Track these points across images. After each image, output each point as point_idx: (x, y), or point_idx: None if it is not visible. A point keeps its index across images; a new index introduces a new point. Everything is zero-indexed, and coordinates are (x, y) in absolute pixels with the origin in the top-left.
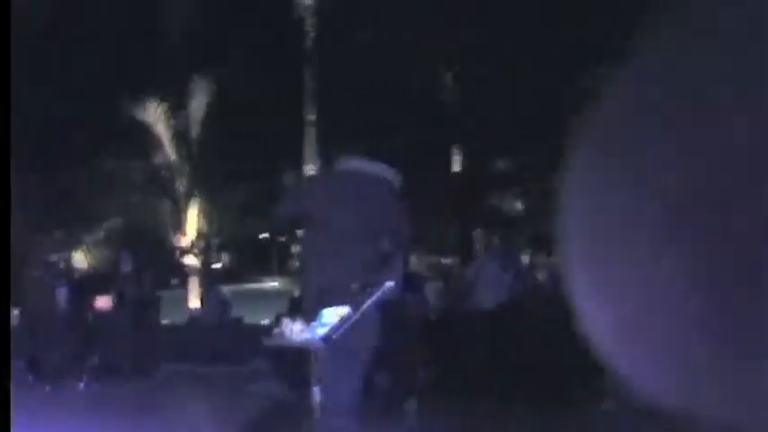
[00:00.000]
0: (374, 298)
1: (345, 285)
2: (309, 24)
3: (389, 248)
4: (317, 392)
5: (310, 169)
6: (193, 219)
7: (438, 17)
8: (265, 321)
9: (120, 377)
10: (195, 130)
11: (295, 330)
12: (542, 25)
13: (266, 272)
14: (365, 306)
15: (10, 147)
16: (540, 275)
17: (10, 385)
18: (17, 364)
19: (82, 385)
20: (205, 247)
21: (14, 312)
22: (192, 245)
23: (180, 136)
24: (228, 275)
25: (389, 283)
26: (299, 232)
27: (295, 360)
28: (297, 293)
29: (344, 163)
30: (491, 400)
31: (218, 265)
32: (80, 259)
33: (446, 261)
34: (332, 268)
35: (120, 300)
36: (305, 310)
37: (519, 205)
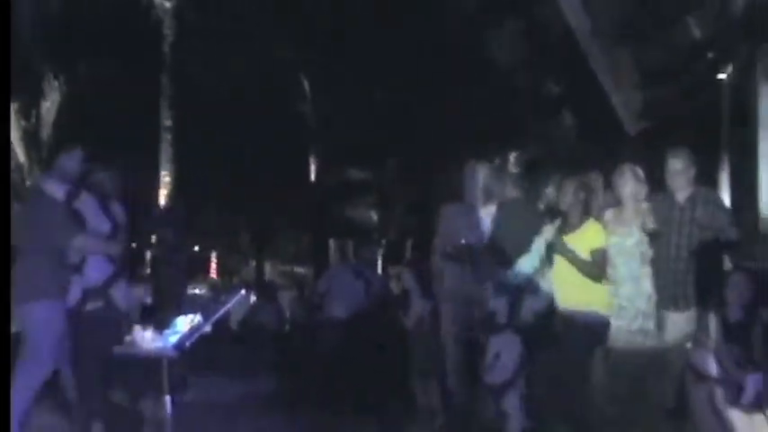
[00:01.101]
0: (227, 306)
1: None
2: (168, 27)
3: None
4: (167, 402)
5: (165, 175)
6: None
7: (298, 29)
8: None
9: None
10: (47, 132)
11: (147, 338)
12: (398, 40)
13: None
14: (218, 314)
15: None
16: (394, 284)
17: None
18: None
19: None
20: None
21: None
22: None
23: (30, 137)
24: None
25: (242, 292)
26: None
27: (146, 369)
28: (148, 301)
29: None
30: (341, 409)
31: None
32: None
33: (300, 270)
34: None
35: None
36: None
37: (373, 214)
